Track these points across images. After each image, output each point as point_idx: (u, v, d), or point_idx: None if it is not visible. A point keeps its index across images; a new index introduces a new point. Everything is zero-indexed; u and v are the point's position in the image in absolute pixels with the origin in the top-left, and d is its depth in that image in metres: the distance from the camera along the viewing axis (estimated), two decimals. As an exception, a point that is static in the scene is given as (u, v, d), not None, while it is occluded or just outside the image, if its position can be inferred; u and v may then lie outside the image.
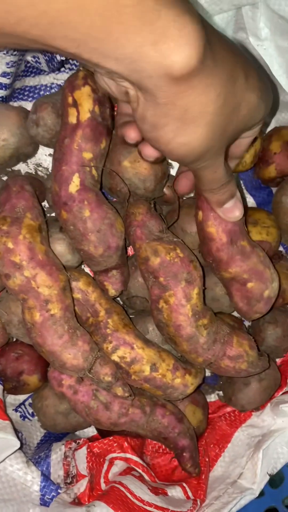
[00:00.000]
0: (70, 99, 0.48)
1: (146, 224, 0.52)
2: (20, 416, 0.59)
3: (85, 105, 0.47)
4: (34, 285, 0.47)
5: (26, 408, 0.59)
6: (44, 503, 0.47)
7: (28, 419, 0.59)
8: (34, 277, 0.47)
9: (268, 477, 0.55)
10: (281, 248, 0.67)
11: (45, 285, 0.47)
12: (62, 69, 0.56)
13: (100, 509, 0.43)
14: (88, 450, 0.51)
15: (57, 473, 0.51)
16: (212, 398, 0.66)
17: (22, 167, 0.60)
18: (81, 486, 0.48)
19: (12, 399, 0.59)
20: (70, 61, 0.48)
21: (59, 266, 0.49)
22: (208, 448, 0.59)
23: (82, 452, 0.51)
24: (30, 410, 0.59)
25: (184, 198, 0.61)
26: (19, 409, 0.59)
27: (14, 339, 0.59)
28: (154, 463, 0.59)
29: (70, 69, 0.56)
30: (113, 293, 0.55)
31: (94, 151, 0.49)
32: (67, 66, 0.51)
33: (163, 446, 0.61)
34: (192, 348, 0.52)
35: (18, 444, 0.46)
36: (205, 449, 0.58)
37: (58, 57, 0.49)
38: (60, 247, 0.53)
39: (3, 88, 0.53)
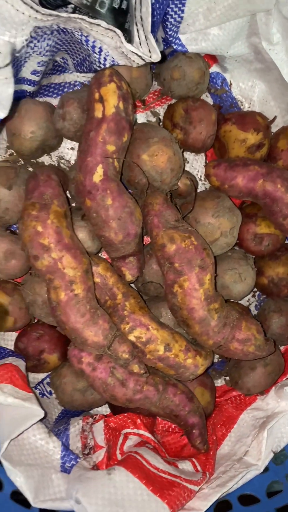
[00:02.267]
0: (96, 95, 0.51)
1: (163, 214, 0.56)
2: (39, 394, 0.62)
3: (110, 101, 0.51)
4: (60, 266, 0.50)
5: (44, 386, 0.63)
6: (65, 470, 0.51)
7: (47, 396, 0.62)
8: (61, 259, 0.50)
9: (272, 454, 0.58)
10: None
11: (70, 267, 0.50)
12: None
13: (119, 472, 0.46)
14: (105, 424, 0.55)
15: (75, 445, 0.54)
16: (219, 383, 0.70)
17: (45, 159, 0.64)
18: (99, 455, 0.51)
19: (31, 378, 0.63)
20: (100, 65, 0.51)
21: (82, 250, 0.53)
22: (216, 428, 0.63)
23: (100, 426, 0.54)
24: (48, 389, 0.63)
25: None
26: (38, 387, 0.63)
27: (35, 320, 0.62)
28: (164, 441, 0.62)
29: (94, 71, 0.60)
30: (130, 278, 0.58)
31: (117, 144, 0.53)
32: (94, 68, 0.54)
33: (173, 426, 0.64)
34: (203, 330, 0.56)
35: (42, 414, 0.50)
36: (213, 428, 0.61)
37: (88, 62, 0.53)
38: (82, 234, 0.57)
39: (32, 85, 0.57)
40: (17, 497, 0.48)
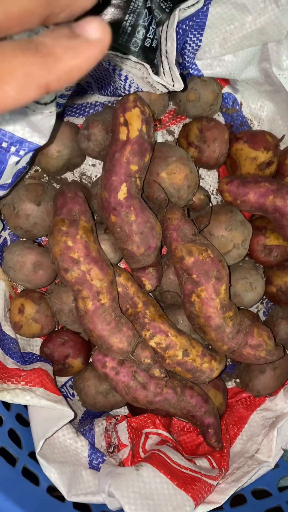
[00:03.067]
0: (122, 119, 0.56)
1: (181, 228, 0.60)
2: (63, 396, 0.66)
3: (134, 125, 0.55)
4: (88, 278, 0.54)
5: (67, 389, 0.67)
6: (92, 467, 0.54)
7: (70, 398, 0.66)
8: (89, 271, 0.54)
9: (282, 452, 0.62)
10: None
11: (97, 278, 0.54)
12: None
13: (147, 468, 0.50)
14: (128, 424, 0.59)
15: (100, 444, 0.58)
16: (229, 385, 0.74)
17: (68, 175, 0.68)
18: (124, 453, 0.55)
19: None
20: (125, 91, 0.55)
21: (108, 262, 0.57)
22: (228, 428, 0.67)
23: (123, 425, 0.58)
24: (71, 391, 0.67)
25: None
26: (62, 390, 0.66)
27: (59, 327, 0.66)
28: (180, 440, 0.66)
29: (118, 95, 0.63)
30: (149, 288, 0.62)
31: (140, 164, 0.57)
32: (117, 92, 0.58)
33: (188, 425, 0.68)
34: (219, 337, 0.60)
35: (72, 415, 0.54)
36: (226, 428, 0.66)
37: (112, 87, 0.57)
38: (105, 247, 0.61)
39: (59, 107, 0.61)
40: (53, 492, 0.52)
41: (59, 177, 0.66)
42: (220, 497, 0.53)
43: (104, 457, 0.55)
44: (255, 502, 0.58)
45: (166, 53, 0.50)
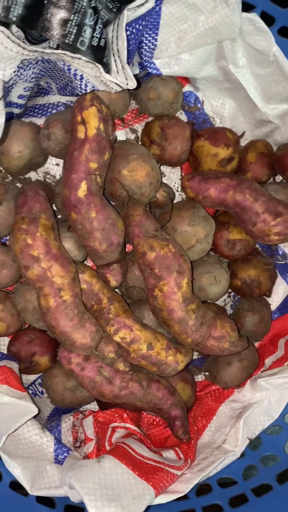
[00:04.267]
0: (79, 118, 0.56)
1: (143, 224, 0.61)
2: (32, 394, 0.66)
3: (92, 123, 0.56)
4: (49, 275, 0.55)
5: (36, 386, 0.67)
6: (58, 461, 0.55)
7: (39, 396, 0.67)
8: (49, 268, 0.55)
9: (248, 441, 0.64)
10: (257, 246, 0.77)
11: (58, 275, 0.55)
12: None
13: (108, 460, 0.51)
14: (94, 418, 0.60)
15: (67, 439, 0.59)
16: (199, 378, 0.75)
17: (32, 175, 0.68)
18: (90, 447, 0.56)
19: (24, 379, 0.67)
20: (82, 90, 0.56)
21: (69, 259, 0.57)
22: (196, 420, 0.68)
23: (89, 420, 0.59)
24: (40, 389, 0.67)
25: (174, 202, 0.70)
26: (30, 387, 0.67)
27: (26, 326, 0.67)
28: (149, 433, 0.67)
29: (76, 94, 0.64)
30: (114, 284, 0.63)
31: (99, 162, 0.58)
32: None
33: (157, 419, 0.69)
34: (182, 329, 0.61)
35: (36, 410, 0.54)
36: (194, 420, 0.67)
37: (70, 87, 0.57)
38: (68, 244, 0.62)
39: (18, 107, 0.62)
40: (16, 487, 0.52)
41: (22, 177, 0.67)
42: (184, 486, 0.55)
43: (70, 451, 0.56)
44: (221, 491, 0.59)
45: (118, 52, 0.51)
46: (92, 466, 0.50)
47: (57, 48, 0.47)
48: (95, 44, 0.45)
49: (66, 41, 0.44)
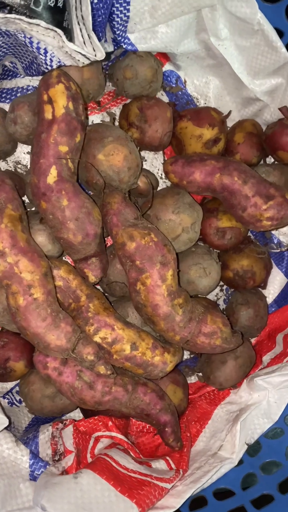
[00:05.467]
0: (45, 97, 0.51)
1: (122, 212, 0.56)
2: (8, 403, 0.61)
3: (59, 102, 0.51)
4: (17, 270, 0.49)
5: (13, 395, 0.62)
6: (34, 478, 0.49)
7: (16, 405, 0.61)
8: (17, 263, 0.49)
9: (246, 447, 0.58)
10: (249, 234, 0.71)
11: (27, 271, 0.50)
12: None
13: (87, 475, 0.46)
14: (74, 428, 0.54)
15: (45, 452, 0.53)
16: (192, 379, 0.70)
17: (2, 165, 0.63)
18: (69, 460, 0.50)
19: (0, 387, 0.62)
20: (47, 67, 0.51)
21: (40, 253, 0.52)
22: (190, 425, 0.63)
23: (69, 430, 0.53)
24: (18, 397, 0.62)
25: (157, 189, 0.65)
26: (7, 396, 0.61)
27: (0, 329, 0.61)
28: (138, 442, 0.61)
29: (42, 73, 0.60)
30: (93, 279, 0.58)
31: (70, 145, 0.52)
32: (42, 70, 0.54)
33: (147, 426, 0.64)
34: (169, 326, 0.55)
35: (6, 422, 0.49)
36: (187, 425, 0.61)
37: (36, 64, 0.52)
38: (41, 238, 0.56)
39: (-18, 90, 0.56)
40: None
41: (-10, 167, 0.62)
42: (175, 500, 0.49)
43: (47, 466, 0.50)
44: (217, 503, 0.53)
45: (83, 19, 0.46)
46: (67, 484, 0.45)
47: (10, 13, 0.42)
48: (52, 5, 0.40)
49: (18, 0, 0.39)
